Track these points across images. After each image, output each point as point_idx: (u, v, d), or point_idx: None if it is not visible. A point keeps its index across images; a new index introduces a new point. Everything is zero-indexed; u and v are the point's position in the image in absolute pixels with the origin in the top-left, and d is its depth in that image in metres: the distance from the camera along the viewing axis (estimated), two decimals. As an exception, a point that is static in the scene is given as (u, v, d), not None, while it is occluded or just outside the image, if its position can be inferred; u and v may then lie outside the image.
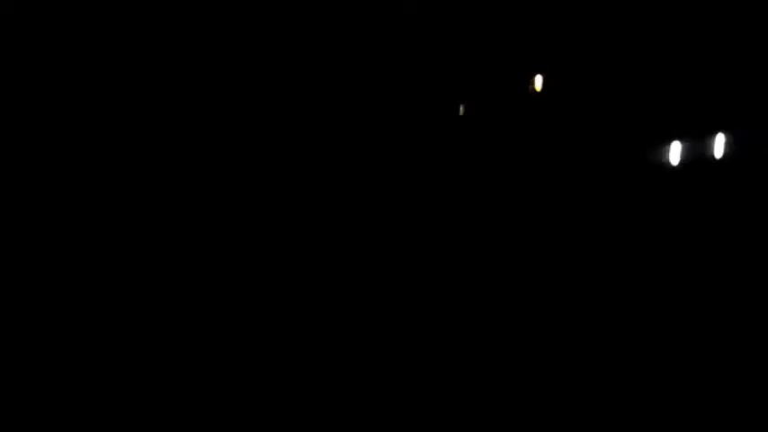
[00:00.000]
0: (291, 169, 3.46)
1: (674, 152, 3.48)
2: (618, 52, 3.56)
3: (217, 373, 3.16)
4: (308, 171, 3.46)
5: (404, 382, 3.18)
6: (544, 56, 3.59)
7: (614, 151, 3.51)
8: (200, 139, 3.43)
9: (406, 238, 3.42)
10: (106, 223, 3.32)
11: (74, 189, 3.33)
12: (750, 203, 3.41)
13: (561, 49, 3.59)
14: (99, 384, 3.10)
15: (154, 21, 3.44)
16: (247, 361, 3.19)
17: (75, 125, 3.38)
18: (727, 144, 3.45)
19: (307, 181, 3.45)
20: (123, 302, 3.23)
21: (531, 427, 3.12)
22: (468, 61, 3.60)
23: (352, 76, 3.55)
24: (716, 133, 3.47)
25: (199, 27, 3.46)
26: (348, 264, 3.37)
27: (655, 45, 3.54)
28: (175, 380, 3.14)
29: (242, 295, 3.29)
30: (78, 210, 3.32)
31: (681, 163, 3.47)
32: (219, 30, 3.48)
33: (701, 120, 3.50)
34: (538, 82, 3.52)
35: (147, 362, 3.15)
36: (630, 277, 3.37)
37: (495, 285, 3.37)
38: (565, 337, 3.27)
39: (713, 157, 3.46)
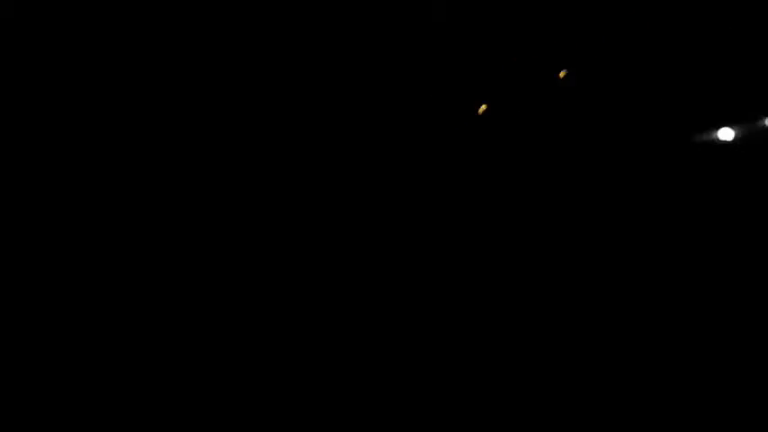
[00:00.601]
0: (304, 173, 3.47)
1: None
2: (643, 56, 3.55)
3: (217, 374, 3.18)
4: (322, 175, 3.47)
5: (404, 382, 3.19)
6: (574, 61, 3.58)
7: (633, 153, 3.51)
8: (201, 140, 3.45)
9: (417, 240, 3.43)
10: (106, 223, 3.34)
11: (74, 190, 3.36)
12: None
13: (592, 54, 3.57)
14: (99, 384, 3.13)
15: (154, 22, 3.46)
16: (247, 361, 3.20)
17: (76, 128, 3.41)
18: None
19: (318, 184, 3.46)
20: (123, 302, 3.25)
21: (531, 428, 3.12)
22: (496, 67, 3.59)
23: (379, 82, 3.56)
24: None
25: (200, 27, 3.48)
26: (349, 264, 3.38)
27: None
28: (175, 380, 3.16)
29: (242, 295, 3.31)
30: (78, 210, 3.35)
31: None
32: (228, 32, 3.50)
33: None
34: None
35: (147, 362, 3.18)
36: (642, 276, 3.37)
37: (512, 285, 3.37)
38: (569, 337, 3.27)
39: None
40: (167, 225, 3.36)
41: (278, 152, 3.46)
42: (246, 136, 3.45)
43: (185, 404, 3.13)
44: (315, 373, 3.20)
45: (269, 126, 3.47)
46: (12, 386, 3.10)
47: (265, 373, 3.19)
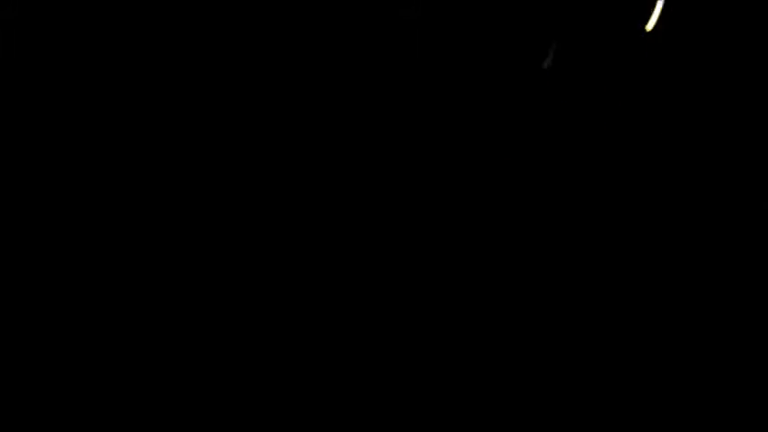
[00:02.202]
0: (291, 170, 3.47)
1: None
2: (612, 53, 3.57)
3: (217, 374, 3.17)
4: (307, 172, 3.47)
5: (404, 382, 3.18)
6: (546, 59, 3.60)
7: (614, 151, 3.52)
8: (201, 140, 3.45)
9: (407, 237, 3.43)
10: (106, 223, 3.34)
11: (75, 192, 3.35)
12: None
13: (564, 54, 3.60)
14: (99, 384, 3.12)
15: (155, 24, 3.46)
16: (247, 361, 3.20)
17: (78, 129, 3.41)
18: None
19: (306, 181, 3.46)
20: (123, 302, 3.24)
21: (531, 428, 3.12)
22: (469, 66, 3.61)
23: (353, 79, 3.57)
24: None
25: (199, 29, 3.49)
26: (348, 264, 3.37)
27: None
28: (175, 380, 3.15)
29: (242, 295, 3.30)
30: (79, 210, 3.34)
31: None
32: (219, 30, 3.50)
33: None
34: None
35: (147, 362, 3.17)
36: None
37: (506, 283, 3.37)
38: (565, 337, 3.27)
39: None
40: (167, 224, 3.36)
41: (269, 151, 3.47)
42: (234, 135, 3.46)
43: (185, 404, 3.12)
44: (314, 372, 3.20)
45: (258, 125, 3.48)
46: (11, 386, 3.09)
47: (265, 372, 3.19)
